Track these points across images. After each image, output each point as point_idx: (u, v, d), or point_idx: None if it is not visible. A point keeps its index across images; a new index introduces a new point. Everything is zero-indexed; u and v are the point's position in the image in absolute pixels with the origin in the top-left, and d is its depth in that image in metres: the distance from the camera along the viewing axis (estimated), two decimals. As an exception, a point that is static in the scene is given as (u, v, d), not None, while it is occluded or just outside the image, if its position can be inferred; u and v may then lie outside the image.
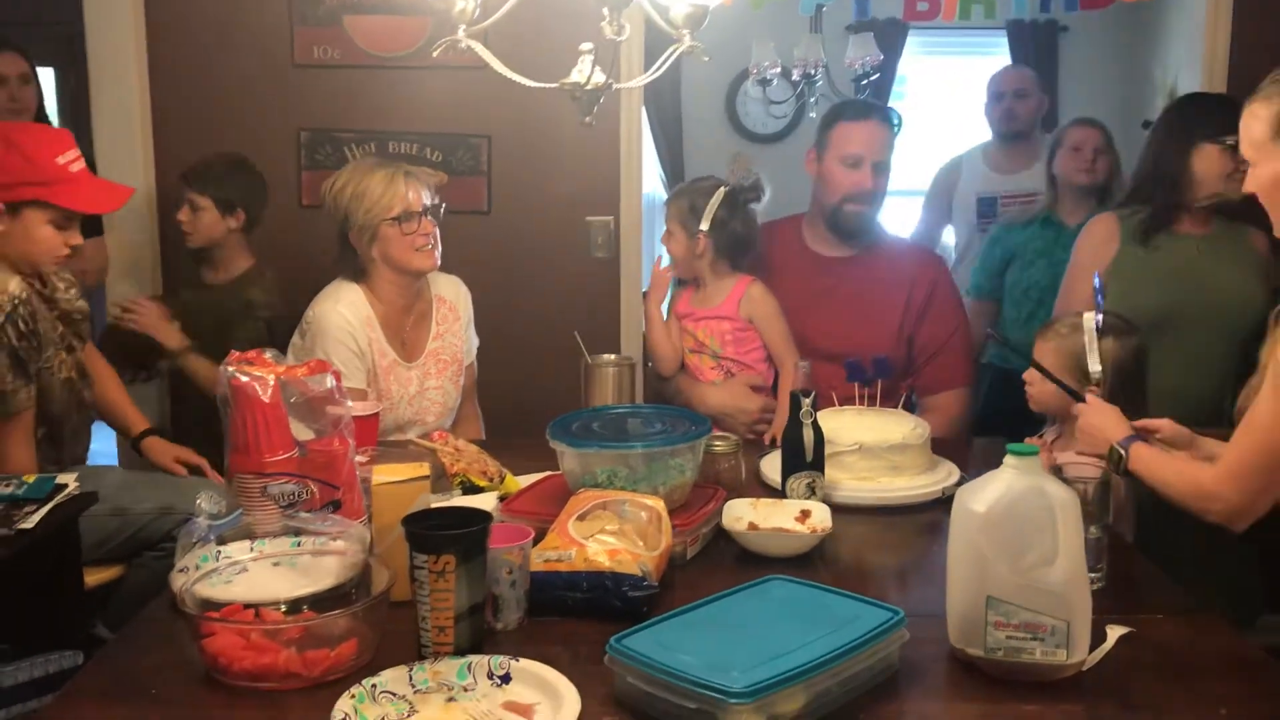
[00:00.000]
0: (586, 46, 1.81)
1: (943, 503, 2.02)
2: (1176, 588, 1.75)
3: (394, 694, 1.34)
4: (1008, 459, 1.46)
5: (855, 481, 2.15)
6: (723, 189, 2.68)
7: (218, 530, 1.63)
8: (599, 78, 1.81)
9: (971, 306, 3.53)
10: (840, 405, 2.32)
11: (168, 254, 3.49)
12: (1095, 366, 2.11)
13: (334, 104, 3.44)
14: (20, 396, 2.32)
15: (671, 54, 1.83)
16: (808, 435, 2.03)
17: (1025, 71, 4.15)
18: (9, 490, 2.13)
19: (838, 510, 1.96)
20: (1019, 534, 1.41)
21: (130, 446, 2.77)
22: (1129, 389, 2.18)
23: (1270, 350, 1.68)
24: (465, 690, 1.36)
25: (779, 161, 5.44)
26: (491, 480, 2.07)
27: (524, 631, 1.56)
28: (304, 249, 3.18)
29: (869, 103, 3.25)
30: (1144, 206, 2.68)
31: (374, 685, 1.34)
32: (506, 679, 1.38)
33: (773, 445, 2.45)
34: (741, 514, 1.91)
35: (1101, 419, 1.94)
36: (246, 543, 1.63)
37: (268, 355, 1.78)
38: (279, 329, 2.91)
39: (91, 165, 2.85)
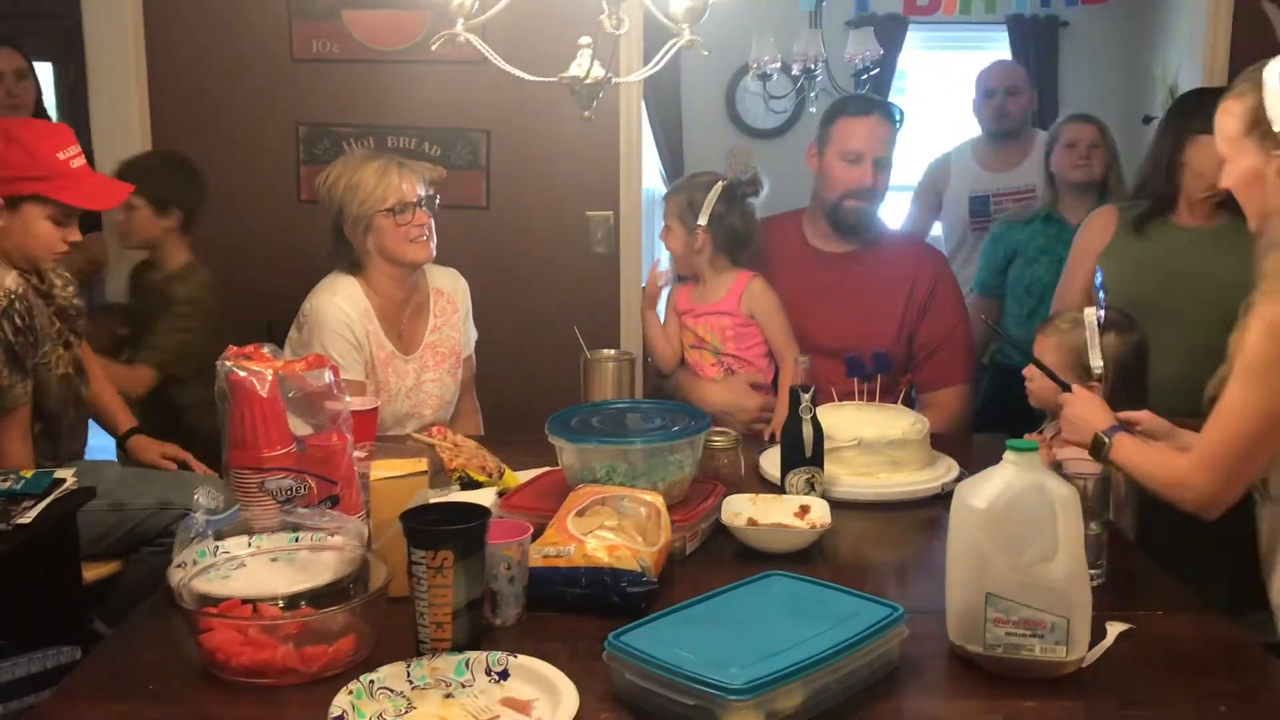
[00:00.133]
0: (585, 41, 1.80)
1: (942, 498, 2.02)
2: (1176, 584, 1.75)
3: (392, 690, 1.34)
4: (1007, 455, 1.45)
5: (854, 477, 2.15)
6: (720, 184, 2.67)
7: (215, 525, 1.63)
8: (598, 72, 1.80)
9: (974, 303, 3.53)
10: (840, 401, 2.31)
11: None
12: (1097, 362, 2.11)
13: (333, 98, 3.44)
14: (16, 391, 2.32)
15: (671, 48, 1.83)
16: (807, 431, 2.03)
17: (1016, 67, 4.15)
18: (6, 485, 2.13)
19: (837, 506, 1.96)
20: (1019, 530, 1.41)
21: (117, 445, 2.76)
22: (1130, 384, 2.18)
23: (1238, 339, 1.69)
24: (463, 686, 1.36)
25: (779, 157, 5.45)
26: (490, 475, 2.06)
27: (522, 627, 1.56)
28: (302, 244, 3.17)
29: (871, 98, 3.24)
30: (1147, 200, 2.69)
31: (372, 681, 1.34)
32: (505, 675, 1.37)
33: (772, 440, 2.44)
34: (741, 509, 1.91)
35: (1086, 409, 1.97)
36: (244, 538, 1.63)
37: (265, 350, 1.77)
38: (278, 323, 2.91)
39: (90, 160, 2.84)
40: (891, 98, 5.55)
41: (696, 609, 1.46)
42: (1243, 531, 1.86)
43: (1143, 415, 1.97)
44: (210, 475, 2.57)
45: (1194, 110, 2.63)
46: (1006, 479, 1.44)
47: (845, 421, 2.19)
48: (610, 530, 1.65)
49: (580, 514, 1.70)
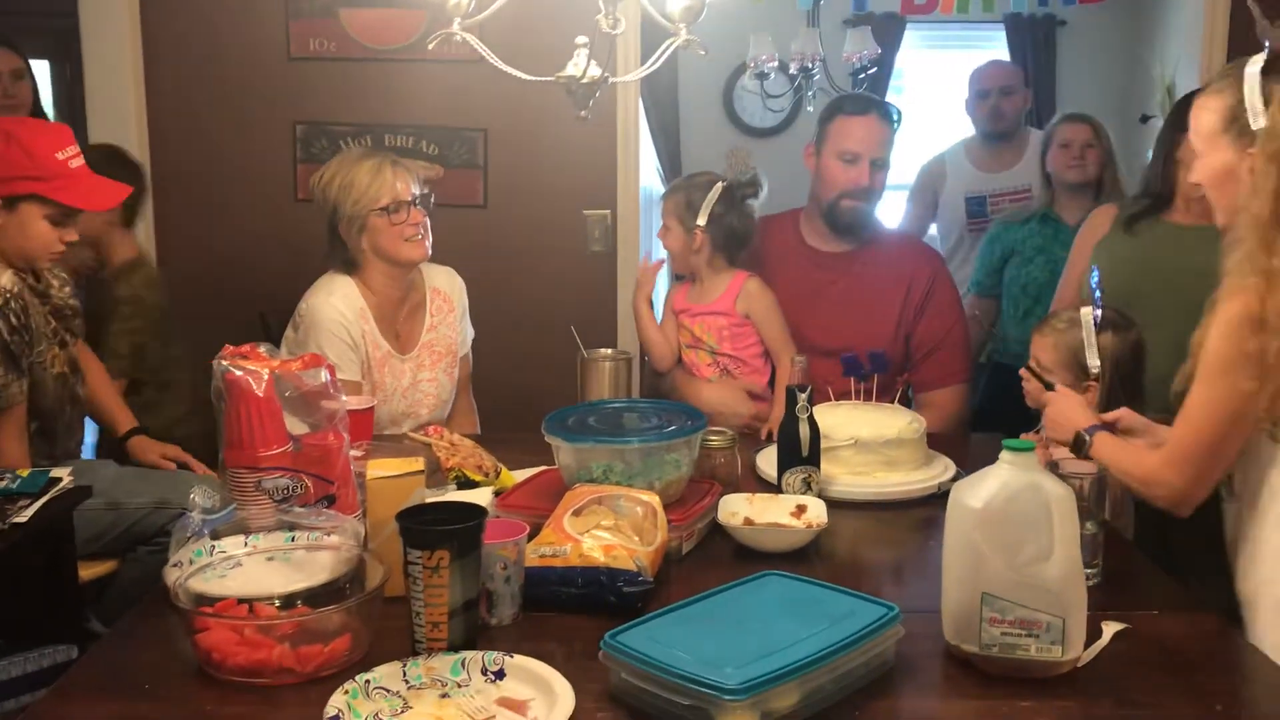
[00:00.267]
0: (582, 40, 1.80)
1: (938, 498, 2.02)
2: (1171, 584, 1.75)
3: (388, 690, 1.34)
4: (1003, 455, 1.45)
5: (851, 476, 2.15)
6: (720, 184, 2.67)
7: (212, 525, 1.63)
8: (595, 72, 1.80)
9: (972, 303, 3.54)
10: (836, 400, 2.31)
11: (163, 249, 3.49)
12: (1094, 361, 2.11)
13: (329, 97, 3.44)
14: (12, 390, 2.32)
15: (668, 48, 1.83)
16: (804, 430, 2.03)
17: (1010, 67, 4.14)
18: (2, 484, 2.13)
19: (833, 505, 1.96)
20: (1015, 530, 1.41)
21: (117, 445, 2.76)
22: (1127, 383, 2.18)
23: (1200, 336, 1.70)
24: (459, 686, 1.36)
25: (776, 155, 5.46)
26: (487, 475, 2.06)
27: (518, 627, 1.56)
28: (299, 243, 3.18)
29: (869, 97, 3.24)
30: (1148, 199, 2.70)
31: (368, 681, 1.34)
32: (501, 675, 1.37)
33: (769, 440, 2.44)
34: (737, 509, 1.91)
35: (1068, 408, 1.99)
36: (241, 537, 1.62)
37: (262, 349, 1.77)
38: (274, 323, 2.91)
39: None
40: (889, 97, 5.57)
41: (693, 609, 1.46)
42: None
43: (1121, 413, 1.99)
44: (209, 475, 2.57)
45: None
46: (1003, 479, 1.44)
47: (842, 421, 2.19)
48: (607, 530, 1.65)
49: (577, 513, 1.70)
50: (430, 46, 1.83)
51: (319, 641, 1.40)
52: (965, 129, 4.04)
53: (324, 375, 1.76)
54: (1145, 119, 4.84)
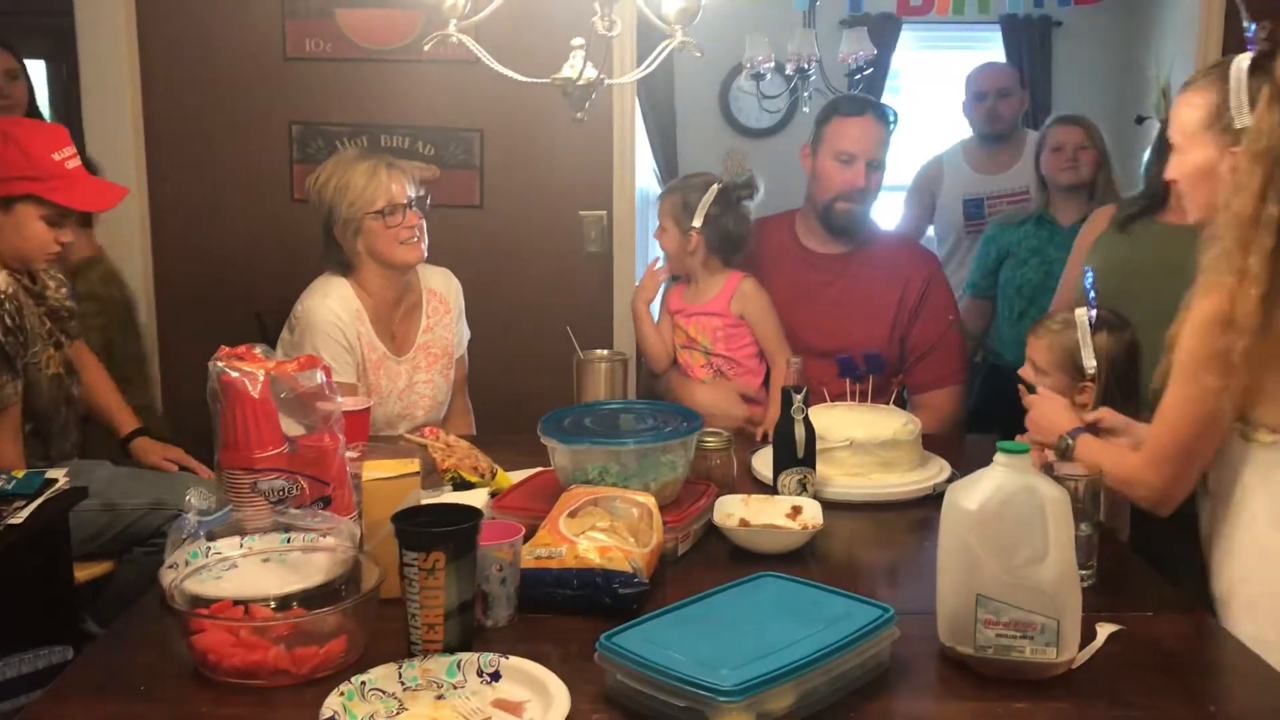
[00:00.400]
0: (578, 42, 1.80)
1: (933, 499, 2.02)
2: (1166, 585, 1.76)
3: (383, 691, 1.34)
4: (998, 457, 1.46)
5: (846, 478, 2.15)
6: (716, 186, 2.67)
7: (207, 526, 1.63)
8: (590, 73, 1.80)
9: (967, 304, 3.54)
10: (832, 401, 2.32)
11: (159, 250, 3.49)
12: (1090, 362, 2.11)
13: (326, 97, 3.44)
14: (7, 391, 2.31)
15: (663, 50, 1.83)
16: (799, 431, 2.03)
17: (1006, 69, 4.14)
18: (-2, 486, 2.13)
19: (829, 506, 1.96)
20: (1010, 532, 1.41)
21: (119, 447, 2.75)
22: (1123, 383, 2.18)
23: (1174, 333, 1.71)
24: (455, 688, 1.36)
25: (772, 156, 5.46)
26: (483, 476, 2.06)
27: (514, 629, 1.56)
28: (295, 243, 3.17)
29: (865, 98, 3.24)
30: (1144, 199, 2.70)
31: (363, 683, 1.34)
32: (496, 676, 1.37)
33: (764, 441, 2.44)
34: (733, 510, 1.91)
35: (1051, 410, 2.01)
36: (236, 539, 1.62)
37: (257, 350, 1.77)
38: (270, 323, 2.90)
39: (83, 159, 2.83)
40: (885, 97, 5.56)
41: (688, 610, 1.46)
42: None
43: (1102, 413, 2.00)
44: (211, 479, 2.56)
45: None
46: (997, 481, 1.44)
47: (837, 422, 2.19)
48: (602, 531, 1.65)
49: (572, 515, 1.70)
50: (426, 48, 1.83)
51: (315, 643, 1.40)
52: (962, 130, 4.04)
53: (319, 376, 1.76)
54: (1140, 120, 4.83)
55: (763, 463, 2.21)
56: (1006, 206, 3.75)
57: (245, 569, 1.58)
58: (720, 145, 5.93)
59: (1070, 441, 1.91)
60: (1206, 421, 1.67)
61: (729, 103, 6.04)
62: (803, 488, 2.04)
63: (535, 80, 1.84)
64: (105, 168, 3.13)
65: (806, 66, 4.49)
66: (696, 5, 1.75)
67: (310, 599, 1.51)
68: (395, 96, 3.42)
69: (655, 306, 2.87)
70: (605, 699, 1.34)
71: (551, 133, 3.39)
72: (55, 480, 2.17)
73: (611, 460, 1.83)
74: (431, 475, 2.00)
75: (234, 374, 1.69)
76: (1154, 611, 1.63)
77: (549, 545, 1.64)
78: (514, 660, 1.39)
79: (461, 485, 2.03)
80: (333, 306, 2.56)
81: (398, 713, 1.31)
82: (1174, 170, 1.83)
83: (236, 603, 1.48)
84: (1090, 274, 2.26)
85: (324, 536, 1.61)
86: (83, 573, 2.40)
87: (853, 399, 2.31)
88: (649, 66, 1.90)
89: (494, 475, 2.08)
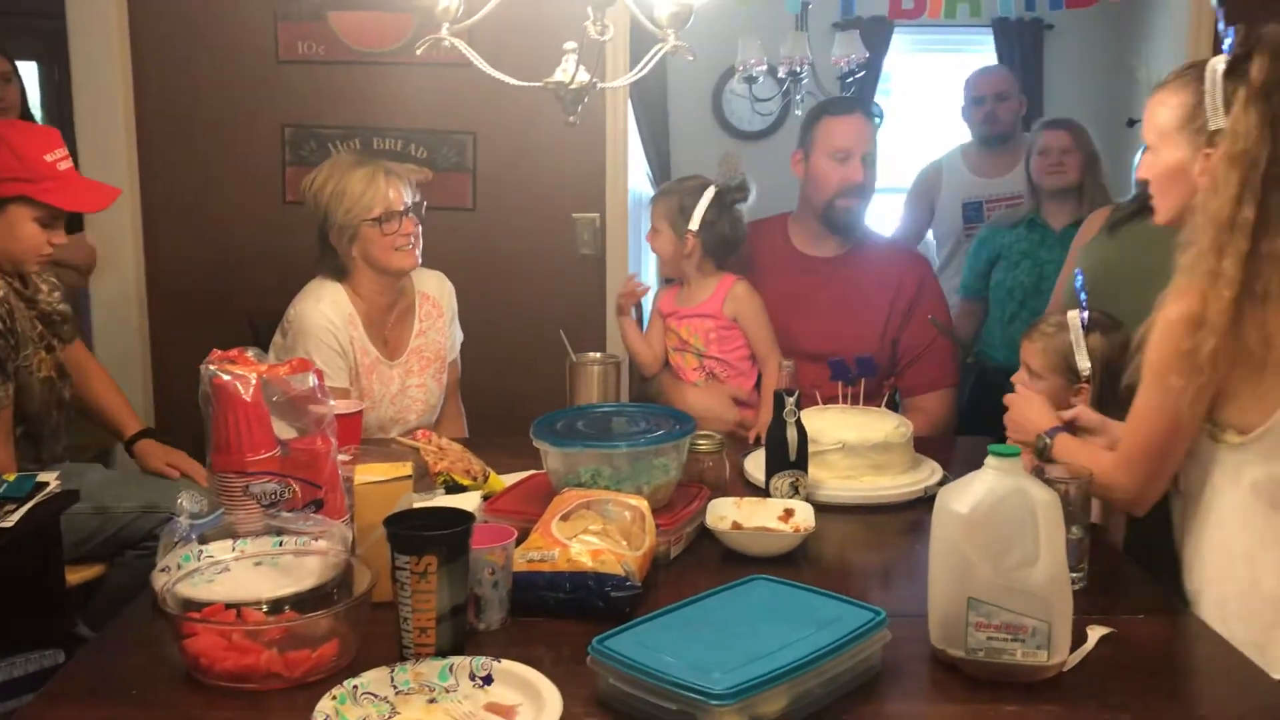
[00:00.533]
0: (570, 46, 1.80)
1: (925, 501, 2.03)
2: (1157, 588, 1.76)
3: (375, 695, 1.34)
4: (989, 460, 1.46)
5: (838, 480, 2.15)
6: (712, 189, 2.67)
7: (199, 529, 1.63)
8: (583, 77, 1.81)
9: (960, 306, 3.55)
10: (824, 404, 2.32)
11: (150, 252, 3.48)
12: (1085, 364, 2.12)
13: (318, 100, 3.44)
14: (-2, 394, 2.31)
15: (655, 54, 1.83)
16: (791, 434, 2.03)
17: (1004, 73, 4.15)
18: (-11, 489, 2.12)
19: (821, 509, 1.96)
20: (1001, 535, 1.41)
21: (124, 449, 2.73)
22: (1117, 383, 2.19)
23: (1146, 330, 1.72)
24: (447, 691, 1.36)
25: (765, 159, 5.44)
26: (475, 479, 2.06)
27: (506, 632, 1.56)
28: (287, 245, 3.17)
29: (852, 98, 3.25)
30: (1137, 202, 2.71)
31: (355, 686, 1.34)
32: (488, 680, 1.37)
33: (757, 444, 2.45)
34: (725, 513, 1.91)
35: (1029, 409, 2.02)
36: (228, 542, 1.62)
37: (249, 354, 1.77)
38: (262, 326, 2.90)
39: (75, 161, 2.83)
40: (877, 99, 5.57)
41: (681, 613, 1.46)
42: None
43: (1078, 411, 2.01)
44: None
45: None
46: (988, 484, 1.44)
47: (829, 425, 2.19)
48: (595, 534, 1.65)
49: (565, 518, 1.70)
50: (418, 52, 1.83)
51: (307, 647, 1.40)
52: (955, 131, 4.05)
53: (312, 380, 1.76)
54: (1132, 123, 4.85)
55: (755, 465, 2.21)
56: (1006, 210, 3.76)
57: (237, 572, 1.58)
58: (713, 148, 5.93)
59: (1048, 440, 1.92)
60: (1174, 423, 1.69)
61: (722, 105, 6.04)
62: (795, 490, 2.04)
63: (528, 84, 1.84)
64: (97, 170, 3.12)
65: (799, 69, 4.49)
66: (688, 9, 1.75)
67: (302, 602, 1.51)
68: (388, 99, 3.42)
69: (646, 307, 2.88)
70: (597, 703, 1.34)
71: (544, 135, 3.39)
72: (47, 483, 2.17)
73: (604, 463, 1.83)
74: (424, 478, 2.00)
75: (226, 377, 1.69)
76: (1145, 614, 1.63)
77: (541, 548, 1.64)
78: (506, 664, 1.39)
79: (454, 488, 2.03)
80: (326, 311, 2.56)
81: (390, 716, 1.31)
82: (1146, 169, 1.84)
83: (228, 606, 1.49)
84: (1080, 276, 2.27)
85: (316, 540, 1.61)
86: (74, 576, 2.40)
87: (845, 402, 2.31)
88: (641, 70, 1.90)
89: (486, 478, 2.08)
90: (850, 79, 4.63)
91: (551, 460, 1.87)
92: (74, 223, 3.01)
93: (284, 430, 1.74)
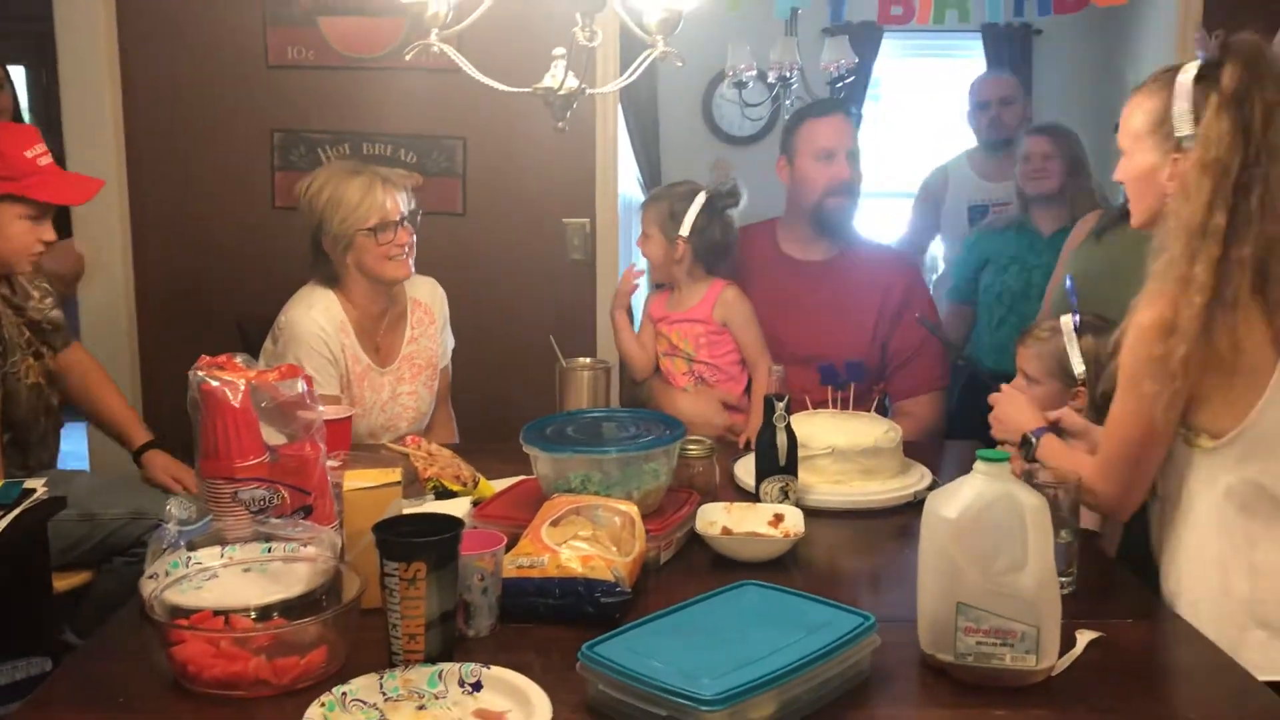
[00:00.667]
0: (559, 52, 1.81)
1: (914, 506, 2.03)
2: (1146, 592, 1.77)
3: (364, 702, 1.33)
4: (978, 465, 1.46)
5: (828, 485, 2.15)
6: (703, 194, 2.68)
7: (188, 536, 1.62)
8: (572, 83, 1.81)
9: (950, 309, 3.56)
10: (814, 409, 2.32)
11: (139, 256, 3.47)
12: (1079, 367, 2.12)
13: (308, 105, 3.43)
14: (-15, 401, 2.30)
15: (645, 60, 1.83)
16: (781, 439, 2.04)
17: (1008, 78, 4.17)
18: (-25, 496, 2.11)
19: (811, 514, 1.97)
20: (989, 540, 1.41)
21: (131, 459, 2.70)
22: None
23: (1120, 335, 1.73)
24: (436, 698, 1.36)
25: (755, 164, 5.45)
26: (465, 485, 2.06)
27: (496, 638, 1.56)
28: (276, 251, 3.17)
29: (830, 99, 3.26)
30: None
31: (344, 693, 1.33)
32: (478, 686, 1.37)
33: (746, 449, 2.45)
34: (715, 518, 1.91)
35: (1014, 408, 2.03)
36: (217, 548, 1.61)
37: (238, 360, 1.76)
38: (252, 332, 2.89)
39: (62, 164, 2.82)
40: (866, 105, 5.60)
41: (670, 619, 1.46)
42: None
43: (1062, 413, 2.02)
44: None
45: None
46: (977, 489, 1.44)
47: (819, 430, 2.19)
48: (584, 540, 1.65)
49: (555, 524, 1.70)
50: (407, 57, 1.83)
51: (295, 653, 1.40)
52: (946, 136, 4.06)
53: (301, 385, 1.76)
54: (1117, 128, 4.87)
55: (745, 471, 2.21)
56: (994, 214, 3.77)
57: (226, 579, 1.57)
58: (703, 153, 5.94)
59: (1034, 440, 1.93)
60: (1149, 428, 1.69)
61: (712, 110, 6.05)
62: (785, 495, 2.04)
63: (517, 90, 1.84)
64: (86, 174, 3.11)
65: (788, 74, 4.51)
66: (677, 15, 1.76)
67: (291, 609, 1.51)
68: (378, 104, 3.42)
69: (637, 312, 2.87)
70: (587, 709, 1.34)
71: (534, 140, 3.39)
72: (34, 490, 2.15)
73: (594, 469, 1.83)
74: (413, 484, 1.99)
75: (215, 383, 1.68)
76: (1134, 618, 1.64)
77: (531, 554, 1.64)
78: (496, 670, 1.39)
79: (443, 494, 2.02)
80: (317, 318, 2.55)
81: (379, 723, 1.31)
82: (1120, 173, 1.85)
83: (217, 613, 1.48)
84: (1070, 280, 2.27)
85: (305, 546, 1.61)
86: (62, 583, 2.38)
87: (834, 406, 2.32)
88: (630, 76, 1.91)
89: (476, 484, 2.08)
90: (840, 84, 4.65)
91: (541, 465, 1.87)
92: (61, 229, 3.00)
93: (273, 436, 1.73)
